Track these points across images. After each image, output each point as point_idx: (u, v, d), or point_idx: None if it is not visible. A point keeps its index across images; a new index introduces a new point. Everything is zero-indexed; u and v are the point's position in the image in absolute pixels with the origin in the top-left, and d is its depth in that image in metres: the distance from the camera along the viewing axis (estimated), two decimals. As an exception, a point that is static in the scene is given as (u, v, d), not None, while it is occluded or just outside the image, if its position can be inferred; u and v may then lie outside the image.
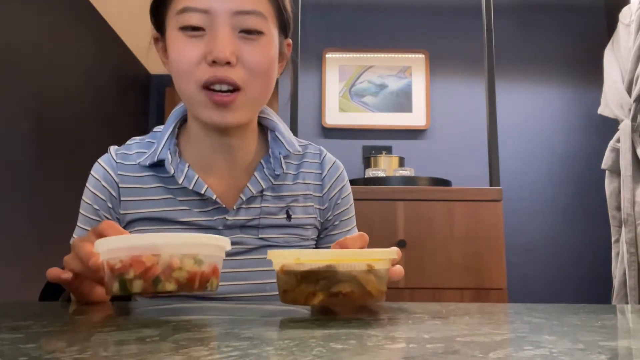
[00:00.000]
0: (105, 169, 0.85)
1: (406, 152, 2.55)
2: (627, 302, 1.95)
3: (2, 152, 1.81)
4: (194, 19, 0.75)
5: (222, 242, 0.57)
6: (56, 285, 0.80)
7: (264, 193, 0.85)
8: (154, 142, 0.86)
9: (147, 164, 0.83)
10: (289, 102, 2.10)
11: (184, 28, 0.75)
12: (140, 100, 3.22)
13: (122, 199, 0.83)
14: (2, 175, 1.80)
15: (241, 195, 0.82)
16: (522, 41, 2.69)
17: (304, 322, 0.50)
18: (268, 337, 0.41)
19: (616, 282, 2.02)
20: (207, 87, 0.75)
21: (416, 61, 2.67)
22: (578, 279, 2.53)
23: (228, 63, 0.74)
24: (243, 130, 0.84)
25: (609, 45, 2.24)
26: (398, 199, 1.88)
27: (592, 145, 2.57)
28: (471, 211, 1.87)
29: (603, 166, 2.11)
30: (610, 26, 2.58)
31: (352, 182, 1.92)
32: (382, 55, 2.67)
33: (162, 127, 0.88)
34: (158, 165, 0.84)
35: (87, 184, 0.85)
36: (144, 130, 3.12)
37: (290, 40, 0.88)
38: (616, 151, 2.05)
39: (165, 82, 3.19)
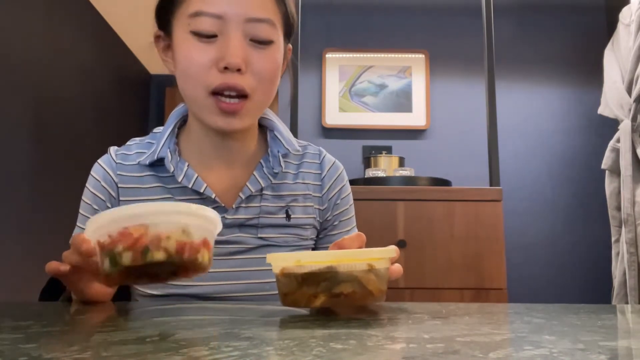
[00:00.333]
0: (105, 169, 0.85)
1: (406, 152, 2.55)
2: (627, 302, 1.95)
3: (2, 152, 1.81)
4: (206, 25, 0.75)
5: (211, 214, 0.56)
6: (56, 286, 0.81)
7: (264, 192, 0.85)
8: (153, 143, 0.87)
9: (147, 162, 0.83)
10: (289, 103, 2.10)
11: (197, 33, 0.75)
12: (140, 100, 3.22)
13: (121, 198, 0.83)
14: (2, 175, 1.81)
15: (240, 194, 0.83)
16: (522, 41, 2.69)
17: (304, 322, 0.50)
18: (268, 337, 0.41)
19: (616, 282, 2.02)
20: (215, 92, 0.76)
21: (416, 61, 2.67)
22: (578, 279, 2.53)
23: (239, 70, 0.75)
24: (243, 131, 0.85)
25: (609, 45, 2.24)
26: (398, 199, 1.88)
27: (592, 145, 2.57)
28: (471, 211, 1.87)
29: (603, 166, 2.11)
30: (610, 26, 2.58)
31: (352, 182, 1.92)
32: (382, 55, 2.67)
33: (161, 128, 0.88)
34: (158, 165, 0.84)
35: (86, 184, 0.85)
36: (144, 130, 3.12)
37: (290, 45, 0.88)
38: (616, 151, 2.05)
39: (165, 82, 3.19)
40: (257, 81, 0.77)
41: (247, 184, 0.83)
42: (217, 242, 0.73)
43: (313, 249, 0.91)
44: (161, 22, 0.83)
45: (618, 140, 2.05)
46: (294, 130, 2.04)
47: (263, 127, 0.90)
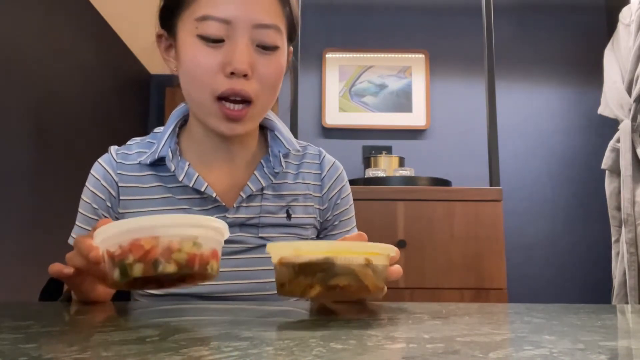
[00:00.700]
0: (105, 169, 0.85)
1: (406, 152, 2.55)
2: (627, 302, 1.95)
3: (2, 152, 1.81)
4: (214, 29, 0.75)
5: (220, 224, 0.57)
6: (56, 285, 0.81)
7: (264, 192, 0.85)
8: (154, 142, 0.87)
9: (148, 162, 0.83)
10: (289, 103, 2.10)
11: (204, 37, 0.75)
12: (140, 100, 3.22)
13: (121, 198, 0.83)
14: (2, 175, 1.81)
15: (241, 193, 0.83)
16: (522, 41, 2.69)
17: (304, 322, 0.50)
18: (268, 337, 0.41)
19: (616, 282, 2.02)
20: (221, 97, 0.76)
21: (416, 61, 2.67)
22: (578, 279, 2.53)
23: (245, 75, 0.75)
24: (244, 135, 0.85)
25: (609, 45, 2.24)
26: (398, 199, 1.88)
27: (592, 145, 2.57)
28: (471, 211, 1.87)
29: (603, 166, 2.11)
30: (610, 26, 2.58)
31: (352, 182, 1.92)
32: (382, 55, 2.67)
33: (162, 127, 0.88)
34: (158, 164, 0.84)
35: (86, 183, 0.85)
36: (144, 130, 3.12)
37: (291, 48, 0.88)
38: (616, 151, 2.05)
39: (165, 82, 3.19)
40: (262, 87, 0.77)
41: (248, 183, 0.83)
42: (218, 242, 0.73)
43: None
44: (164, 22, 0.83)
45: (618, 140, 2.05)
46: (294, 130, 2.04)
47: (263, 127, 0.90)
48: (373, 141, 2.61)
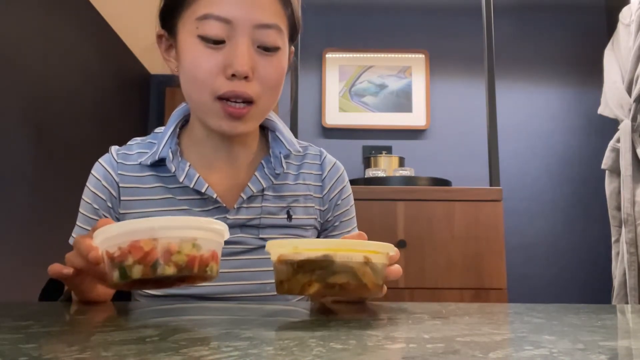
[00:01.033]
0: (106, 169, 0.85)
1: (406, 152, 2.55)
2: (627, 302, 1.95)
3: (2, 152, 1.81)
4: (214, 29, 0.74)
5: (220, 227, 0.57)
6: (56, 285, 0.80)
7: (265, 193, 0.85)
8: (154, 143, 0.87)
9: (149, 163, 0.83)
10: (289, 103, 2.10)
11: (204, 38, 0.75)
12: (140, 100, 3.22)
13: (122, 198, 0.83)
14: (2, 175, 1.81)
15: (242, 194, 0.83)
16: (522, 41, 2.69)
17: (304, 322, 0.50)
18: (268, 337, 0.41)
19: (616, 282, 2.02)
20: (222, 98, 0.76)
21: (416, 61, 2.67)
22: (578, 279, 2.53)
23: (246, 77, 0.75)
24: (246, 133, 0.85)
25: (609, 45, 2.24)
26: (398, 199, 1.88)
27: (592, 145, 2.57)
28: (471, 211, 1.86)
29: (603, 166, 2.11)
30: (610, 26, 2.58)
31: (352, 182, 1.92)
32: (382, 55, 2.67)
33: (162, 128, 0.88)
34: (159, 165, 0.84)
35: (87, 183, 0.85)
36: (144, 130, 3.12)
37: (292, 47, 0.88)
38: (616, 151, 2.05)
39: (165, 82, 3.19)
40: (263, 88, 0.77)
41: (249, 184, 0.83)
42: (218, 243, 0.73)
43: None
44: (165, 22, 0.82)
45: (618, 140, 2.05)
46: (294, 130, 2.04)
47: (264, 128, 0.90)
48: (373, 141, 2.61)
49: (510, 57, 2.64)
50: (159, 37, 0.84)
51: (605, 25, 2.68)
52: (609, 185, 2.10)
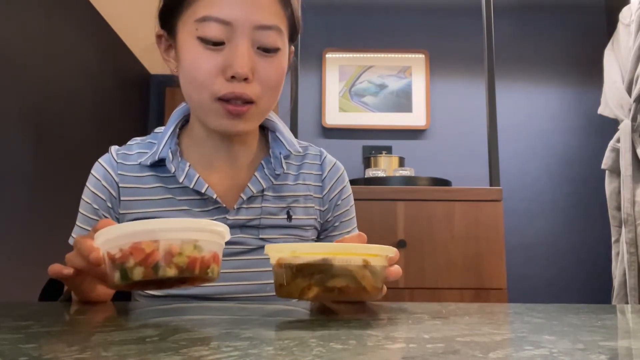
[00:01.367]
0: (106, 169, 0.85)
1: (406, 152, 2.55)
2: (627, 302, 1.95)
3: (2, 152, 1.81)
4: (214, 31, 0.74)
5: (221, 228, 0.57)
6: (56, 285, 0.80)
7: (265, 193, 0.85)
8: (154, 143, 0.87)
9: (148, 163, 0.83)
10: (289, 103, 2.10)
11: (204, 40, 0.75)
12: (140, 100, 3.23)
13: (122, 198, 0.83)
14: (2, 175, 1.81)
15: (242, 195, 0.82)
16: (522, 41, 2.69)
17: (304, 322, 0.50)
18: (268, 337, 0.41)
19: (616, 282, 2.02)
20: (221, 99, 0.76)
21: (416, 61, 2.67)
22: (578, 279, 2.53)
23: (246, 79, 0.75)
24: (246, 133, 0.85)
25: (609, 45, 2.24)
26: (398, 199, 1.88)
27: (592, 145, 2.57)
28: (471, 211, 1.86)
29: (603, 166, 2.11)
30: (610, 26, 2.58)
31: (352, 182, 1.92)
32: (382, 55, 2.67)
33: (162, 128, 0.88)
34: (159, 165, 0.84)
35: (87, 183, 0.85)
36: (143, 130, 3.12)
37: (292, 47, 0.88)
38: (616, 151, 2.05)
39: (165, 82, 3.19)
40: (263, 89, 0.77)
41: (249, 184, 0.83)
42: (218, 244, 0.73)
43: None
44: (164, 23, 0.82)
45: (618, 140, 2.05)
46: (294, 130, 2.04)
47: (264, 128, 0.90)
48: (373, 141, 2.61)
49: (510, 57, 2.64)
50: (159, 37, 0.84)
51: (605, 25, 2.68)
52: (609, 185, 2.10)
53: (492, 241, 1.85)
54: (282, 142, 0.87)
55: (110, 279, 0.55)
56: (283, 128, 0.89)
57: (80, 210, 0.85)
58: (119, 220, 0.84)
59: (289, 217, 0.85)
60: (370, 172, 2.26)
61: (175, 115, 0.88)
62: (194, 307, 0.69)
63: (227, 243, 0.76)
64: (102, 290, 0.67)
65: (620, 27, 2.17)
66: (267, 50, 0.77)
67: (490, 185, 1.98)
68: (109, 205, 0.84)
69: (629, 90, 2.05)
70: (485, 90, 2.07)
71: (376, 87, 2.66)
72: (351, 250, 0.54)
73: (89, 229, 0.83)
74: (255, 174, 0.85)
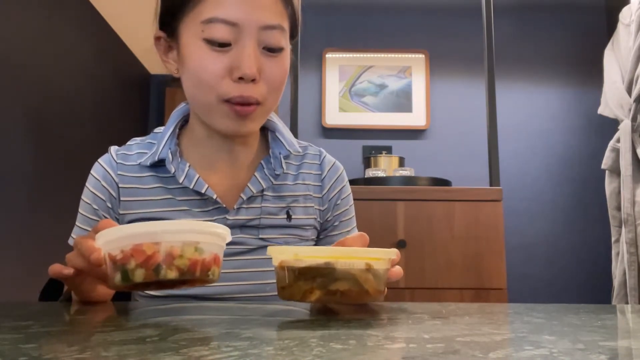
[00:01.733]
0: (105, 169, 0.85)
1: (406, 152, 2.55)
2: (627, 302, 1.95)
3: (2, 152, 1.81)
4: (221, 32, 0.74)
5: (222, 230, 0.57)
6: (56, 285, 0.80)
7: (265, 193, 0.85)
8: (154, 143, 0.86)
9: (148, 163, 0.83)
10: (289, 103, 2.10)
11: (210, 41, 0.74)
12: (140, 100, 3.23)
13: (121, 199, 0.83)
14: (2, 175, 1.81)
15: (241, 195, 0.82)
16: (522, 41, 2.69)
17: (304, 322, 0.50)
18: (268, 337, 0.41)
19: (616, 282, 2.02)
20: (228, 101, 0.76)
21: (416, 61, 2.67)
22: (578, 279, 2.53)
23: (253, 80, 0.75)
24: (250, 134, 0.85)
25: (609, 45, 2.24)
26: (398, 199, 1.88)
27: (592, 145, 2.57)
28: (471, 211, 1.87)
29: (603, 166, 2.11)
30: (610, 26, 2.58)
31: (352, 182, 1.92)
32: (382, 55, 2.67)
33: (162, 128, 0.88)
34: (158, 165, 0.84)
35: (86, 184, 0.85)
36: (143, 130, 3.12)
37: (290, 46, 0.88)
38: (616, 151, 2.05)
39: (165, 82, 3.19)
40: (269, 89, 0.77)
41: (249, 184, 0.83)
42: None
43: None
44: (164, 25, 0.82)
45: (618, 140, 2.05)
46: (294, 130, 2.04)
47: (264, 128, 0.90)
48: (373, 141, 2.61)
49: (510, 57, 2.64)
50: (157, 39, 0.83)
51: (605, 25, 2.68)
52: (609, 185, 2.10)
53: (492, 241, 1.85)
54: (282, 142, 0.87)
55: (110, 280, 0.55)
56: (283, 128, 0.89)
57: (79, 210, 0.85)
58: (118, 221, 0.84)
59: (289, 217, 0.85)
60: (370, 172, 2.26)
61: (175, 116, 0.88)
62: (194, 307, 0.69)
63: (227, 243, 0.76)
64: (102, 290, 0.67)
65: (620, 27, 2.17)
66: (272, 50, 0.77)
67: (490, 185, 1.98)
68: (109, 205, 0.84)
69: (629, 90, 2.05)
70: (485, 90, 2.07)
71: (376, 87, 2.66)
72: (354, 254, 0.54)
73: (89, 229, 0.82)
74: (255, 174, 0.85)
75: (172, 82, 0.85)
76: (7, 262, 1.82)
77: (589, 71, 2.61)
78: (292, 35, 0.84)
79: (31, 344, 0.37)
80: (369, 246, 0.64)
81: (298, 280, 0.54)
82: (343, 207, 0.93)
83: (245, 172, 0.86)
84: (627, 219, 1.95)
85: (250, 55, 0.74)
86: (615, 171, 2.06)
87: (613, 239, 2.08)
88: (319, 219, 0.90)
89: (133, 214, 0.83)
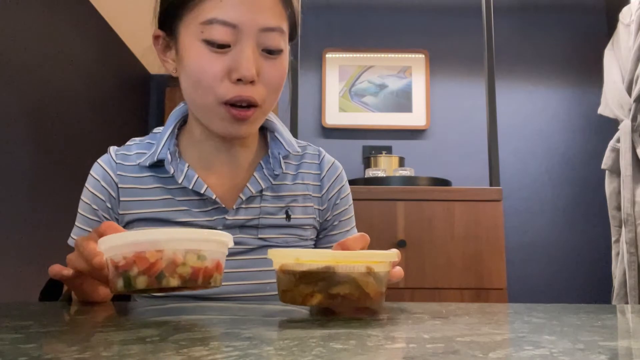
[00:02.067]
0: (105, 169, 0.85)
1: (406, 152, 2.55)
2: (627, 302, 1.95)
3: (2, 152, 1.81)
4: (220, 34, 0.73)
5: (225, 238, 0.57)
6: (56, 285, 0.80)
7: (264, 193, 0.85)
8: (153, 143, 0.87)
9: (147, 164, 0.83)
10: (289, 103, 2.10)
11: (209, 42, 0.74)
12: (140, 100, 3.23)
13: (121, 199, 0.83)
14: (2, 175, 1.81)
15: (241, 195, 0.82)
16: (522, 41, 2.69)
17: (304, 322, 0.50)
18: (268, 337, 0.41)
19: (616, 282, 2.02)
20: (227, 103, 0.75)
21: (416, 61, 2.67)
22: (578, 279, 2.53)
23: (252, 82, 0.75)
24: (248, 136, 0.85)
25: (609, 45, 2.24)
26: (398, 199, 1.88)
27: (592, 145, 2.57)
28: (471, 211, 1.87)
29: (603, 166, 2.11)
30: (610, 26, 2.58)
31: (352, 182, 1.92)
32: (382, 55, 2.67)
33: (161, 128, 0.88)
34: (157, 166, 0.84)
35: (86, 184, 0.85)
36: (143, 130, 3.12)
37: (289, 47, 0.88)
38: (616, 151, 2.05)
39: (165, 82, 3.19)
40: (267, 91, 0.77)
41: (248, 184, 0.83)
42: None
43: (313, 249, 0.91)
44: (163, 24, 0.82)
45: (618, 140, 2.05)
46: (294, 130, 2.04)
47: (263, 128, 0.90)
48: (373, 141, 2.61)
49: (510, 57, 2.64)
50: (156, 38, 0.83)
51: (605, 25, 2.68)
52: (609, 185, 2.10)
53: (492, 241, 1.85)
54: (281, 142, 0.87)
55: (112, 285, 0.55)
56: (282, 128, 0.89)
57: (79, 210, 0.85)
58: (118, 221, 0.84)
59: (288, 217, 0.85)
60: (370, 172, 2.26)
61: (174, 116, 0.88)
62: (194, 307, 0.69)
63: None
64: (102, 291, 0.67)
65: (620, 27, 2.17)
66: (271, 52, 0.77)
67: (490, 185, 1.98)
68: (108, 205, 0.84)
69: (629, 90, 2.05)
70: (485, 90, 2.07)
71: (376, 87, 2.66)
72: (354, 258, 0.54)
73: (89, 229, 0.83)
74: (254, 174, 0.85)
75: (172, 82, 0.84)
76: (7, 262, 1.82)
77: (589, 71, 2.61)
78: (292, 37, 0.84)
79: (31, 344, 0.37)
80: (369, 246, 0.64)
81: (299, 284, 0.53)
82: (342, 207, 0.93)
83: (245, 172, 0.86)
84: (627, 219, 1.95)
85: (249, 57, 0.74)
86: (615, 171, 2.06)
87: (613, 239, 2.08)
88: (318, 219, 0.90)
89: (132, 214, 0.83)
